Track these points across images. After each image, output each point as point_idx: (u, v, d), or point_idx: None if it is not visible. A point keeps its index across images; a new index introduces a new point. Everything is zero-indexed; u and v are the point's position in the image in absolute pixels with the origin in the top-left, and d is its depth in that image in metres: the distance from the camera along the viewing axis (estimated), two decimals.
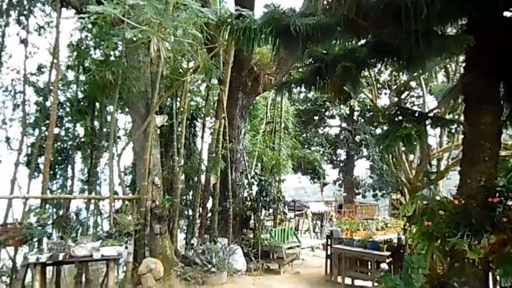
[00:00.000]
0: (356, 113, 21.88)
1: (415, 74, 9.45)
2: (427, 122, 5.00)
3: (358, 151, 21.34)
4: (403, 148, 9.67)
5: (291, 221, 13.93)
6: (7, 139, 9.77)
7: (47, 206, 7.77)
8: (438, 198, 5.28)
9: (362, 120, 21.61)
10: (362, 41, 5.53)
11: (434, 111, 6.99)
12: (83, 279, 7.24)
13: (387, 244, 7.18)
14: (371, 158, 20.38)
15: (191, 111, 10.34)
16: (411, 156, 11.04)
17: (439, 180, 10.16)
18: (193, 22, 5.15)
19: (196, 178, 9.70)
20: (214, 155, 8.58)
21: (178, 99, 9.28)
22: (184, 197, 10.11)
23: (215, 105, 10.00)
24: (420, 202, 5.23)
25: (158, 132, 8.33)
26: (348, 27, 4.77)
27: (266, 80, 9.75)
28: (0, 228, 6.05)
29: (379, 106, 16.76)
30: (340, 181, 22.62)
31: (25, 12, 8.32)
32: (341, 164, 22.52)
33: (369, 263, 7.27)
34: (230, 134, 9.11)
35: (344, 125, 22.27)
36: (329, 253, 8.32)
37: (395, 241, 7.47)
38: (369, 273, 7.17)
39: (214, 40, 7.67)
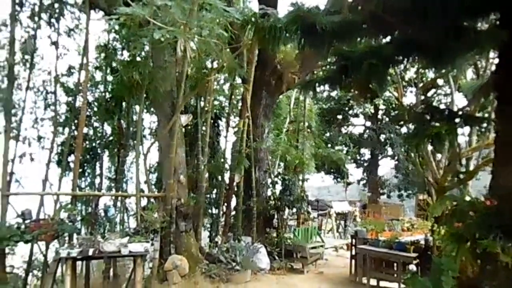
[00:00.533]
0: (380, 112, 21.49)
1: (443, 71, 9.19)
2: (456, 121, 4.86)
3: (383, 150, 20.96)
4: (430, 148, 9.42)
5: (314, 220, 13.83)
6: (39, 138, 10.15)
7: (77, 203, 8.03)
8: (468, 198, 5.12)
9: (387, 119, 21.20)
10: (387, 39, 5.45)
11: (464, 109, 6.79)
12: (111, 274, 7.44)
13: (414, 246, 7.02)
14: (396, 158, 19.97)
15: (215, 111, 10.44)
16: (439, 156, 10.75)
17: (468, 180, 9.84)
18: (218, 21, 5.19)
19: (219, 177, 9.80)
20: (238, 154, 8.63)
21: (203, 98, 9.38)
22: (208, 196, 10.22)
23: (239, 104, 10.06)
24: (449, 202, 5.09)
25: (183, 131, 8.46)
26: (375, 24, 4.70)
27: (289, 79, 9.72)
28: (33, 224, 6.25)
29: (405, 105, 16.43)
30: (364, 181, 22.29)
31: (55, 15, 8.59)
32: (365, 164, 22.19)
33: (395, 264, 7.13)
34: (254, 133, 9.13)
35: (368, 124, 21.92)
36: (353, 253, 8.22)
37: (423, 242, 7.31)
38: (395, 275, 7.03)
39: (238, 40, 7.71)
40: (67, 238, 6.59)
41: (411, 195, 19.58)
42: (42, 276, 7.72)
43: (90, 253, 5.57)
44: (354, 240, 8.42)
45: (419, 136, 4.24)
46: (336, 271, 9.07)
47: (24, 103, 8.51)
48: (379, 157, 21.68)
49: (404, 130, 19.80)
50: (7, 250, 6.46)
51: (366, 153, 22.18)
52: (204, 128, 9.16)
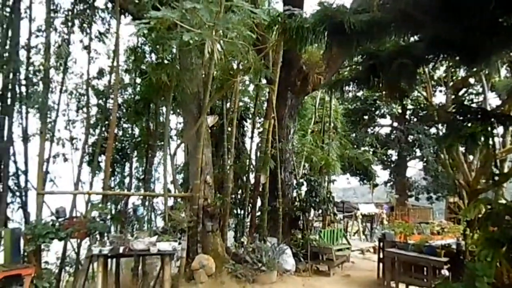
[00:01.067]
0: (408, 112, 21.01)
1: (475, 69, 8.90)
2: (491, 121, 4.68)
3: (411, 151, 20.45)
4: (462, 149, 9.13)
5: (340, 222, 13.68)
6: (71, 139, 10.53)
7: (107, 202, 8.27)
8: (503, 201, 4.94)
9: (415, 119, 20.71)
10: (416, 37, 5.33)
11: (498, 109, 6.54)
12: (140, 272, 7.61)
13: (445, 250, 6.81)
14: (425, 159, 19.41)
15: (240, 112, 10.50)
16: (470, 157, 10.39)
17: (503, 182, 9.46)
18: (245, 23, 5.23)
19: (245, 177, 9.84)
20: (263, 154, 8.64)
21: (228, 99, 9.47)
22: (233, 196, 10.29)
23: (264, 105, 10.08)
24: (483, 206, 4.91)
25: (209, 132, 8.55)
26: (405, 23, 4.60)
27: (315, 79, 9.64)
28: (67, 221, 6.47)
29: (435, 104, 15.99)
30: (391, 183, 21.82)
31: (87, 20, 8.89)
32: (392, 165, 21.72)
33: (425, 268, 6.93)
34: (279, 134, 9.11)
35: (395, 124, 21.46)
36: (381, 256, 8.06)
37: (454, 246, 7.07)
38: (425, 279, 6.84)
39: (263, 41, 7.73)
40: (98, 236, 6.78)
41: (440, 197, 19.01)
42: (74, 272, 8.00)
43: (121, 251, 5.72)
44: (381, 243, 8.25)
45: (452, 137, 4.12)
46: (363, 274, 8.93)
47: (58, 106, 8.88)
48: (407, 159, 21.17)
49: (433, 130, 19.33)
50: (42, 247, 6.71)
51: (393, 154, 21.71)
52: (229, 129, 9.23)
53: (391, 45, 5.42)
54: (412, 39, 5.45)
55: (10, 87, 7.65)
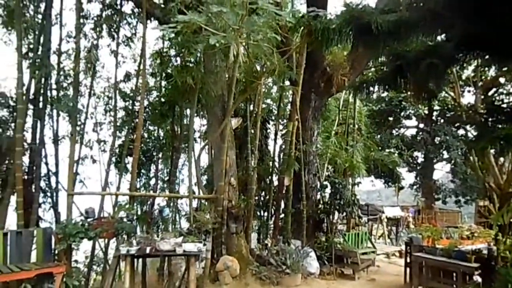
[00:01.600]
0: (435, 113, 20.48)
1: (507, 68, 8.61)
2: None
3: (438, 153, 19.92)
4: (492, 151, 8.83)
5: (365, 225, 13.47)
6: (99, 141, 10.83)
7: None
8: None
9: (442, 121, 20.17)
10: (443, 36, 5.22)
11: None
12: (165, 272, 7.73)
13: (475, 255, 6.59)
14: (452, 161, 18.87)
15: (264, 113, 10.51)
16: (501, 159, 10.03)
17: None
18: (269, 25, 5.24)
19: (268, 179, 9.84)
20: (287, 156, 8.62)
21: (252, 101, 9.50)
22: (256, 198, 10.30)
23: (287, 107, 10.04)
24: None
25: (233, 134, 8.60)
26: (433, 22, 4.51)
27: (339, 80, 9.54)
28: (96, 222, 6.63)
29: (463, 105, 15.52)
30: (417, 185, 21.31)
31: (115, 26, 9.13)
32: (418, 167, 21.22)
33: (455, 274, 6.73)
34: (303, 136, 9.06)
35: (421, 125, 20.97)
36: (408, 261, 7.88)
37: (485, 252, 6.83)
38: (455, 285, 6.64)
39: (287, 42, 7.72)
40: (125, 236, 6.92)
41: (469, 201, 18.43)
42: (102, 271, 8.20)
43: (148, 251, 5.83)
44: (408, 247, 8.06)
45: (485, 139, 3.99)
46: (388, 278, 8.75)
47: (87, 109, 9.15)
48: (434, 161, 20.63)
49: (461, 132, 18.78)
50: (72, 246, 6.91)
51: (419, 156, 21.21)
52: (253, 131, 9.26)
53: (417, 45, 5.32)
54: (438, 38, 5.34)
55: (42, 91, 7.93)
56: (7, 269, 5.28)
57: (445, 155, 19.88)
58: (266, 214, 9.83)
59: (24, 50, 7.83)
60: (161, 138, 10.42)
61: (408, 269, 7.85)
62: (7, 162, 7.82)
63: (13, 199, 7.14)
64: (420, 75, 4.78)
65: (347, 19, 4.54)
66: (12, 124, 7.98)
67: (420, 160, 21.28)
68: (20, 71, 6.82)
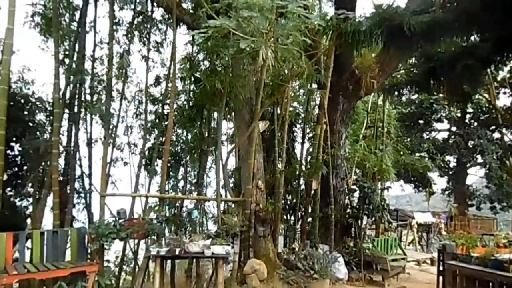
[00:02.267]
0: (468, 116, 19.76)
1: None
2: None
3: (471, 157, 19.19)
4: None
5: (394, 231, 13.14)
6: (130, 144, 11.12)
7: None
8: None
9: (476, 123, 19.42)
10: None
11: None
12: (193, 273, 7.81)
13: None
14: (487, 166, 18.11)
15: (291, 117, 10.48)
16: None
17: None
18: (298, 28, 5.22)
19: (295, 183, 9.79)
20: (315, 160, 8.55)
21: (279, 105, 9.49)
22: (283, 201, 10.26)
23: (314, 110, 9.96)
24: None
25: (261, 137, 8.61)
26: (469, 23, 4.37)
27: (368, 83, 9.39)
28: (127, 222, 6.79)
29: (499, 107, 14.92)
30: (450, 191, 20.59)
31: (146, 31, 9.38)
32: (450, 172, 20.50)
33: (491, 284, 6.44)
34: (331, 139, 8.97)
35: (454, 129, 20.28)
36: (441, 269, 7.61)
37: None
38: None
39: (315, 45, 7.67)
40: (155, 238, 7.05)
41: (506, 207, 17.62)
42: (132, 271, 8.39)
43: (177, 252, 5.90)
44: (441, 255, 7.79)
45: None
46: (420, 287, 8.51)
47: (119, 113, 9.43)
48: (467, 165, 19.89)
49: (496, 135, 18.04)
50: (104, 246, 7.10)
51: (451, 160, 20.50)
52: (280, 134, 9.24)
53: (450, 47, 5.17)
54: (472, 39, 5.17)
55: (77, 96, 8.24)
56: (43, 267, 5.48)
57: (479, 159, 19.14)
58: (293, 218, 9.77)
59: (60, 57, 8.17)
60: (189, 141, 10.57)
61: (441, 278, 7.57)
62: (43, 164, 8.17)
63: (49, 199, 7.43)
64: (455, 77, 4.64)
65: (378, 20, 4.47)
66: (49, 128, 8.34)
67: (452, 164, 20.56)
68: (57, 76, 7.10)
